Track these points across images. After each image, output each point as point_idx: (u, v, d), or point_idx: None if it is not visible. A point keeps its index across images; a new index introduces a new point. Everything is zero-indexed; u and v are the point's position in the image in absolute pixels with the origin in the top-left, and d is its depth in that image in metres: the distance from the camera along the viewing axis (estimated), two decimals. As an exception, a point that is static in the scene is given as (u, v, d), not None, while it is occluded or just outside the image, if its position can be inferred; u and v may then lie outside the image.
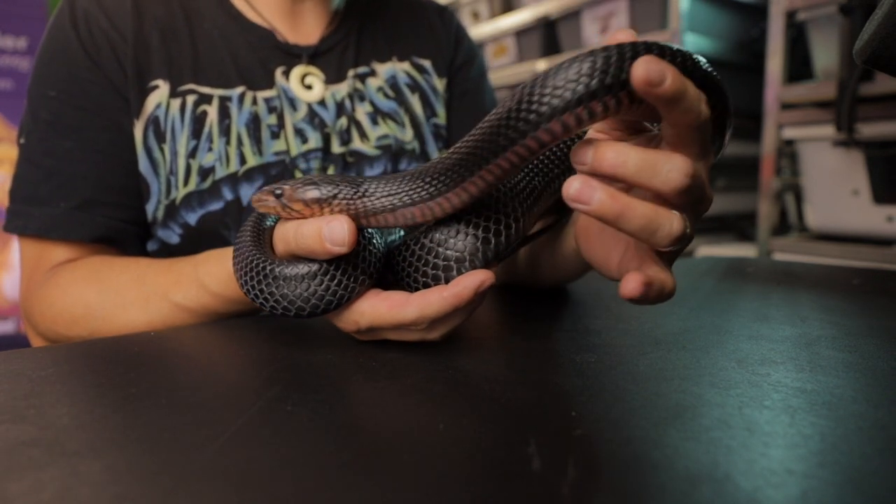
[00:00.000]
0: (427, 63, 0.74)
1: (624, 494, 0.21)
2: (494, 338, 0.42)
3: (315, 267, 0.36)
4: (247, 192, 0.60)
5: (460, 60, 0.77)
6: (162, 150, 0.58)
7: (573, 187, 0.28)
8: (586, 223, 0.40)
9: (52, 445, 0.25)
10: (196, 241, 0.59)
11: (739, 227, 1.84)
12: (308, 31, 0.68)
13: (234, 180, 0.59)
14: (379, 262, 0.38)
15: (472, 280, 0.34)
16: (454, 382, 0.32)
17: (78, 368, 0.36)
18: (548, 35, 1.99)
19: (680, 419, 0.28)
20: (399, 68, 0.72)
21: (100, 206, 0.57)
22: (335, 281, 0.36)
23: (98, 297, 0.51)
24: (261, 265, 0.36)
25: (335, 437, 0.26)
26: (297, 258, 0.37)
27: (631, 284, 0.30)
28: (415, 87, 0.72)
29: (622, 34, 0.31)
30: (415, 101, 0.71)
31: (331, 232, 0.34)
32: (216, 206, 0.59)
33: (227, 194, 0.59)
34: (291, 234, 0.36)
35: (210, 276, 0.48)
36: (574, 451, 0.24)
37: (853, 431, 0.26)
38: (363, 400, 0.30)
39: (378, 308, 0.36)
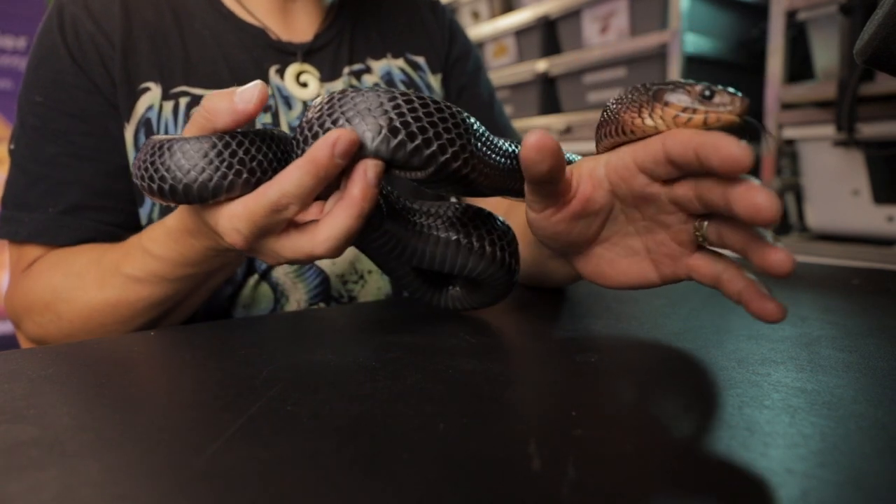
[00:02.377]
0: (421, 60, 0.74)
1: (624, 494, 0.21)
2: (494, 338, 0.42)
3: (214, 139, 0.35)
4: None
5: (455, 55, 0.78)
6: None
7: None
8: (596, 267, 0.40)
9: (52, 445, 0.25)
10: None
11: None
12: (301, 28, 0.68)
13: None
14: (273, 163, 0.36)
15: (325, 139, 0.32)
16: (454, 382, 0.32)
17: (78, 368, 0.36)
18: (548, 35, 1.99)
19: (680, 419, 0.28)
20: (394, 65, 0.72)
21: (88, 211, 0.57)
22: (227, 161, 0.34)
23: (63, 280, 0.52)
24: (159, 142, 0.35)
25: (335, 437, 0.26)
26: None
27: (769, 307, 0.31)
28: (410, 83, 0.72)
29: None
30: None
31: (243, 90, 0.34)
32: None
33: None
34: (204, 101, 0.35)
35: (152, 241, 0.47)
36: (574, 451, 0.24)
37: (853, 431, 0.26)
38: (363, 400, 0.30)
39: (248, 203, 0.35)
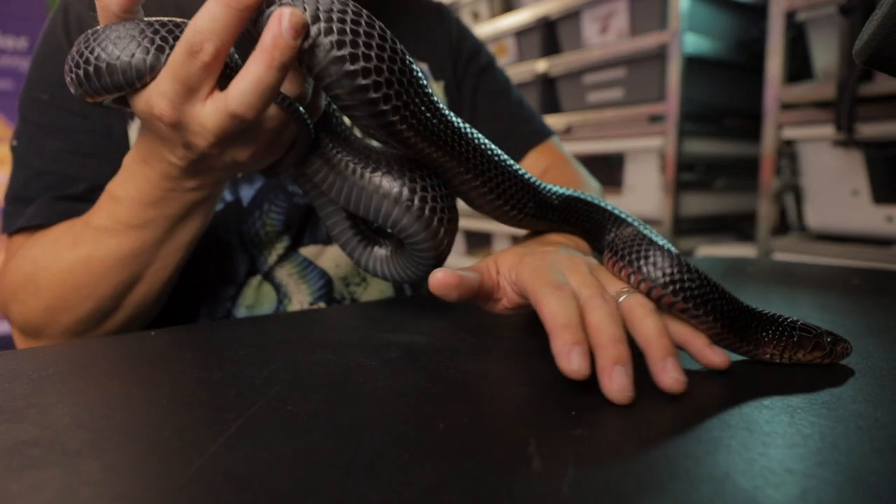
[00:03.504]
0: (424, 66, 0.74)
1: (624, 494, 0.21)
2: (494, 338, 0.42)
3: (141, 23, 0.35)
4: (246, 193, 0.60)
5: (467, 53, 0.78)
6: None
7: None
8: None
9: (52, 445, 0.25)
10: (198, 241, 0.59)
11: (739, 227, 1.84)
12: None
13: (233, 181, 0.59)
14: None
15: None
16: (454, 382, 0.32)
17: (78, 368, 0.36)
18: (548, 35, 1.99)
19: (680, 419, 0.28)
20: None
21: (88, 204, 0.57)
22: (151, 38, 0.35)
23: (41, 250, 0.51)
24: (86, 33, 0.36)
25: (335, 437, 0.26)
26: None
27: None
28: None
29: None
30: None
31: None
32: (216, 207, 0.59)
33: (227, 195, 0.59)
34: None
35: (114, 183, 0.46)
36: (574, 451, 0.24)
37: (852, 431, 0.26)
38: (363, 400, 0.30)
39: (168, 59, 0.35)
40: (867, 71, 1.19)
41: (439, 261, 0.42)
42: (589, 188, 0.71)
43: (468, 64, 0.77)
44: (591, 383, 0.31)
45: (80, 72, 0.36)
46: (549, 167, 0.74)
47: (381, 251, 0.46)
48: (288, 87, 0.37)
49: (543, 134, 0.78)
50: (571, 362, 0.30)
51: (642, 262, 0.35)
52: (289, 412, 0.28)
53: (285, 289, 0.62)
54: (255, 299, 0.61)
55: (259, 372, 0.34)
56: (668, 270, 0.34)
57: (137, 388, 0.31)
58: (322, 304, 0.63)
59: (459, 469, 0.23)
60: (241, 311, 0.61)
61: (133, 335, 0.43)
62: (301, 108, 0.38)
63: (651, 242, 0.36)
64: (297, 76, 0.37)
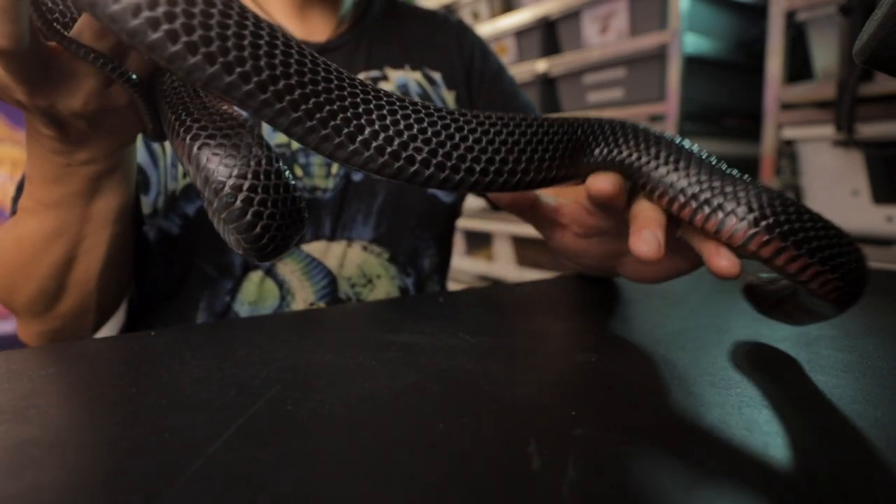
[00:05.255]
0: (437, 75, 0.74)
1: (624, 494, 0.21)
2: (494, 338, 0.42)
3: None
4: None
5: (489, 76, 0.78)
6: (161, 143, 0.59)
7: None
8: (634, 271, 0.44)
9: (52, 445, 0.25)
10: (195, 232, 0.60)
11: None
12: (317, 31, 0.69)
13: None
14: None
15: None
16: (454, 382, 0.32)
17: (78, 368, 0.36)
18: (548, 35, 1.99)
19: (679, 419, 0.28)
20: (411, 77, 0.72)
21: None
22: None
23: (2, 231, 0.53)
24: None
25: (335, 437, 0.26)
26: None
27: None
28: (425, 96, 0.72)
29: None
30: None
31: None
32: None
33: None
34: None
35: (27, 165, 0.46)
36: (574, 451, 0.24)
37: (853, 431, 0.26)
38: (363, 400, 0.30)
39: None
40: (867, 71, 1.19)
41: (254, 228, 0.32)
42: None
43: (491, 84, 0.78)
44: (591, 383, 0.31)
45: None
46: None
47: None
48: (97, 43, 0.36)
49: None
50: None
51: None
52: (289, 412, 0.28)
53: (289, 286, 0.62)
54: (258, 296, 0.61)
55: (259, 372, 0.34)
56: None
57: (137, 388, 0.31)
58: (322, 304, 0.63)
59: (459, 469, 0.23)
60: (243, 308, 0.61)
61: (133, 335, 0.43)
62: (112, 63, 0.36)
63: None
64: (93, 27, 0.35)
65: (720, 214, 0.33)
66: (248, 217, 0.32)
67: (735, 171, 0.35)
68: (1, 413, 0.28)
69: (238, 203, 0.31)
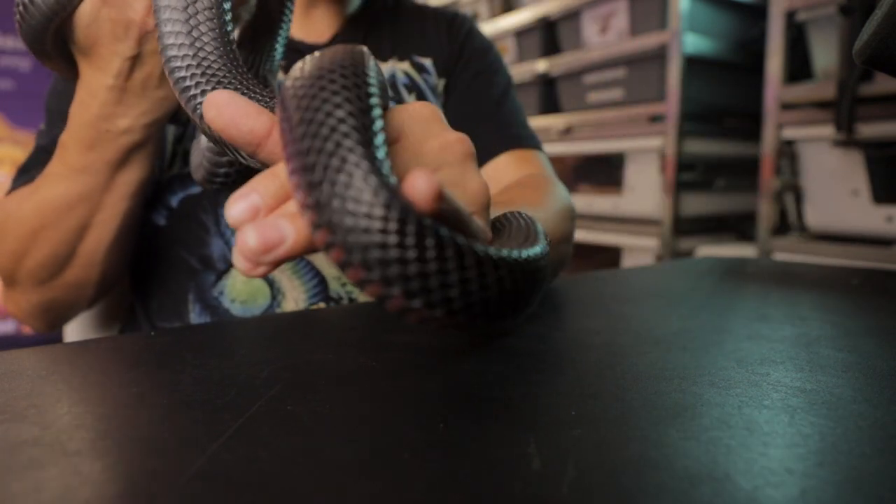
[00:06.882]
0: (427, 62, 0.74)
1: (624, 494, 0.21)
2: (494, 338, 0.42)
3: None
4: None
5: (466, 55, 0.77)
6: None
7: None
8: None
9: (52, 445, 0.25)
10: (179, 223, 0.61)
11: (739, 227, 1.84)
12: (320, 31, 0.70)
13: None
14: None
15: None
16: (454, 382, 0.32)
17: (78, 368, 0.36)
18: (548, 35, 2.00)
19: (679, 419, 0.28)
20: (398, 68, 0.72)
21: None
22: None
23: (10, 201, 0.56)
24: None
25: (335, 437, 0.26)
26: None
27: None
28: (412, 86, 0.72)
29: None
30: (410, 101, 0.71)
31: None
32: (195, 189, 0.62)
33: None
34: None
35: (63, 133, 0.50)
36: (574, 451, 0.24)
37: (852, 431, 0.26)
38: (363, 400, 0.30)
39: None
40: (867, 71, 1.19)
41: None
42: (551, 201, 0.61)
43: (466, 64, 0.76)
44: (591, 383, 0.32)
45: (21, 8, 0.40)
46: (522, 178, 0.68)
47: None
48: None
49: (521, 139, 0.73)
50: None
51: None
52: (289, 412, 0.28)
53: (279, 285, 0.62)
54: (248, 295, 0.61)
55: (259, 372, 0.34)
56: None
57: (137, 388, 0.31)
58: (321, 304, 0.63)
59: (459, 469, 0.23)
60: (234, 307, 0.61)
61: (133, 335, 0.43)
62: None
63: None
64: None
65: None
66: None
67: None
68: (1, 413, 0.28)
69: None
